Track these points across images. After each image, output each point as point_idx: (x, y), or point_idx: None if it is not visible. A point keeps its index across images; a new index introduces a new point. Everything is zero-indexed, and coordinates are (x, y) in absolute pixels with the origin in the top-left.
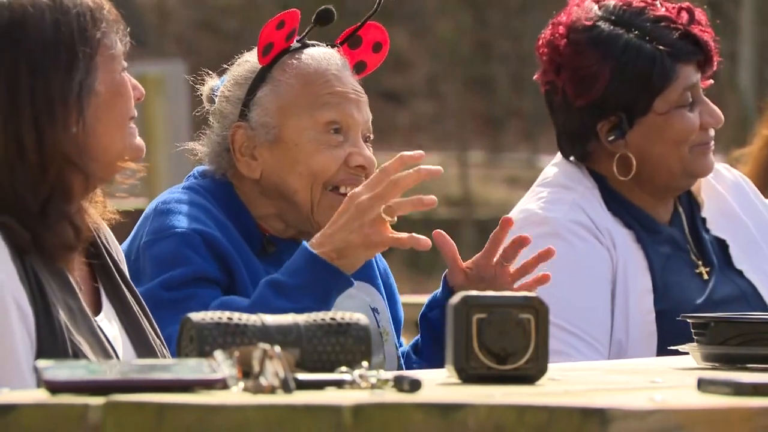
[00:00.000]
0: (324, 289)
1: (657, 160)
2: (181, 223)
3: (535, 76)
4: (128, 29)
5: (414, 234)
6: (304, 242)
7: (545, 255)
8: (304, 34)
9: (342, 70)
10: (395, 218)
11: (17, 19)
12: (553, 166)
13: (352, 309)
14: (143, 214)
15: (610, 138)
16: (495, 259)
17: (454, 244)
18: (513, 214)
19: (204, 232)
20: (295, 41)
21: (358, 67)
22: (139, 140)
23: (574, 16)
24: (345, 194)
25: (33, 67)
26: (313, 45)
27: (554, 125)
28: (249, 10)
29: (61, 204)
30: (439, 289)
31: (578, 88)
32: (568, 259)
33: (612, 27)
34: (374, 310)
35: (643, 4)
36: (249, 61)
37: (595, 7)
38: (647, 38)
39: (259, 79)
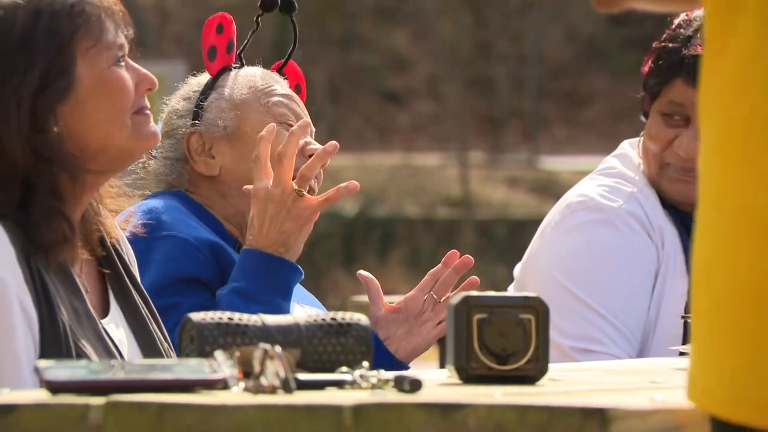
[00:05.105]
0: (285, 284)
1: None
2: (177, 226)
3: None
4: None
5: (339, 185)
6: (245, 246)
7: (469, 286)
8: (245, 43)
9: (283, 81)
10: (311, 184)
11: None
12: (615, 157)
13: None
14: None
15: None
16: (426, 295)
17: (377, 283)
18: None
19: (200, 237)
20: (235, 56)
21: None
22: (150, 128)
23: (674, 26)
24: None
25: None
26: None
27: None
28: (249, 10)
29: (48, 200)
30: None
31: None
32: (618, 249)
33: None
34: None
35: None
36: (192, 81)
37: (690, 30)
38: None
39: (208, 88)
